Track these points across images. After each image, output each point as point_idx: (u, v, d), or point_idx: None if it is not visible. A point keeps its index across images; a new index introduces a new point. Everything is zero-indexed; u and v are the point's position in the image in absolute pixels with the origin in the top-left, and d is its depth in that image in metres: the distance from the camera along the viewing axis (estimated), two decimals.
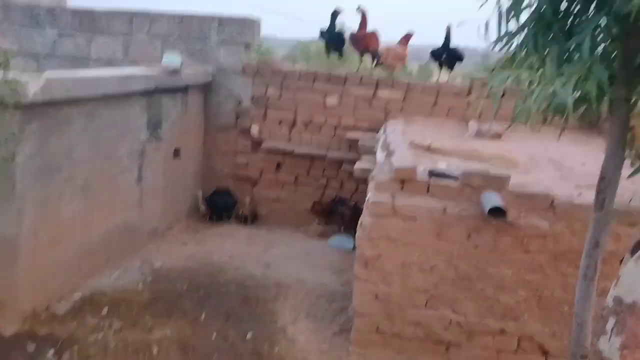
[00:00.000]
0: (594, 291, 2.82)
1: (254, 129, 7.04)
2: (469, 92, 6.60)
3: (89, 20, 7.29)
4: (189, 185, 6.89)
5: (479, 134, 5.96)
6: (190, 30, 7.04)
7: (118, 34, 7.21)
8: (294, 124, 7.00)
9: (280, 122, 7.03)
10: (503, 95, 2.66)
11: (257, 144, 7.10)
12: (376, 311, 3.95)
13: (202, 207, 6.96)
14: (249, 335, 4.29)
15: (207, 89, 7.01)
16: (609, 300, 2.22)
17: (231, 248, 5.98)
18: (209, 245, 6.02)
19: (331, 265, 5.66)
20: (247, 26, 6.96)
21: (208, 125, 7.13)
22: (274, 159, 7.12)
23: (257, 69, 6.98)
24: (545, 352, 3.95)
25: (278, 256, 5.82)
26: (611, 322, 2.16)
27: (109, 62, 7.19)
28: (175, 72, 6.01)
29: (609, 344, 2.13)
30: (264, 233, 6.63)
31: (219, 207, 7.02)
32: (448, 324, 3.94)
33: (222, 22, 6.97)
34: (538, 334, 3.91)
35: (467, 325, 3.92)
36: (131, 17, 7.17)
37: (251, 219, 7.05)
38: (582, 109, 2.73)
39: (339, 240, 6.46)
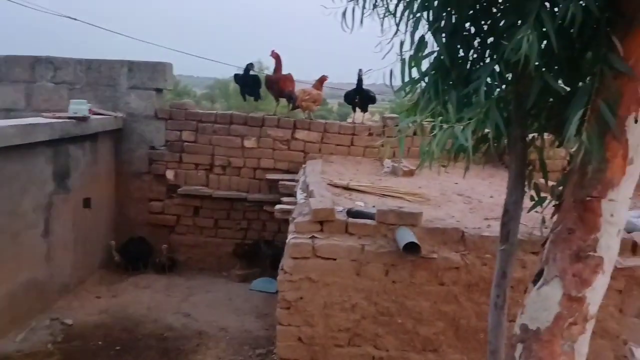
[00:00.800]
0: (505, 319, 2.97)
1: (169, 174, 6.91)
2: (383, 132, 6.87)
3: None
4: (101, 236, 6.59)
5: (394, 172, 6.19)
6: (98, 76, 6.86)
7: (19, 82, 6.85)
8: (211, 167, 6.94)
9: (196, 166, 6.95)
10: (415, 134, 2.81)
11: (172, 189, 6.96)
12: (300, 354, 3.92)
13: (117, 257, 6.67)
14: None
15: (118, 135, 6.82)
16: (516, 328, 2.36)
17: (148, 299, 5.76)
18: (125, 298, 5.76)
19: (254, 310, 5.58)
20: (158, 71, 6.89)
21: (120, 172, 6.92)
22: (192, 203, 7.00)
23: (170, 113, 6.90)
24: None
25: (199, 304, 5.67)
26: (519, 349, 2.29)
27: (10, 112, 6.76)
28: (82, 120, 5.81)
29: None
30: (183, 281, 6.44)
31: (134, 256, 6.76)
32: None
33: (132, 67, 6.86)
34: None
35: None
36: (33, 64, 6.85)
37: (169, 266, 6.83)
38: (483, 147, 2.93)
39: (262, 283, 6.40)
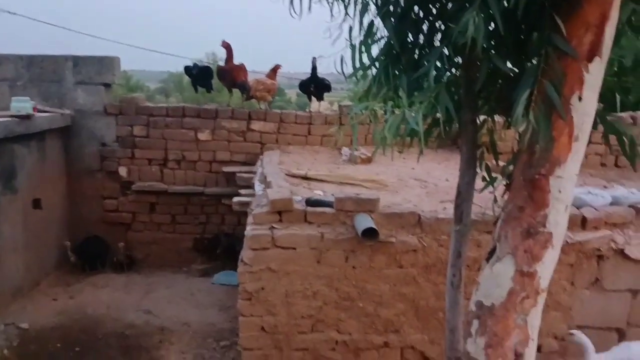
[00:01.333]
0: (462, 297, 3.05)
1: (122, 171, 6.75)
2: (340, 120, 6.88)
3: None
4: (55, 236, 6.39)
5: (352, 160, 6.22)
6: (42, 72, 6.60)
7: None
8: (165, 162, 6.81)
9: (150, 162, 6.81)
10: (370, 121, 2.83)
11: (126, 186, 6.80)
12: (264, 343, 3.93)
13: (72, 258, 6.48)
14: None
15: (66, 132, 6.60)
16: (472, 305, 2.43)
17: (107, 298, 5.63)
18: (83, 298, 5.62)
19: (217, 303, 5.54)
20: (105, 65, 6.69)
21: (71, 170, 6.71)
22: (147, 199, 6.86)
23: (120, 108, 6.73)
24: (426, 359, 4.17)
25: (159, 300, 5.59)
26: (475, 324, 2.36)
27: None
28: (26, 118, 5.59)
29: (475, 345, 2.32)
30: (143, 278, 6.33)
31: (91, 255, 6.59)
32: (334, 345, 4.03)
33: (78, 61, 6.64)
34: (418, 343, 4.13)
35: (352, 344, 4.05)
36: None
37: (127, 265, 6.69)
38: (435, 132, 2.98)
39: (224, 276, 6.36)
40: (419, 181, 5.44)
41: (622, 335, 4.34)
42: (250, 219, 4.05)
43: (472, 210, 3.17)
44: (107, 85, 6.73)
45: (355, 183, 5.11)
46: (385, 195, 4.51)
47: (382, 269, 4.01)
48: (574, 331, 3.82)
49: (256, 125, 6.82)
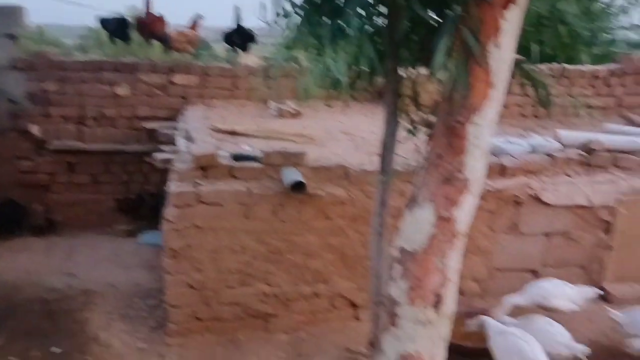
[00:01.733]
0: (386, 245, 3.13)
1: (35, 129, 6.33)
2: (267, 73, 6.71)
3: None
4: None
5: (280, 114, 6.14)
6: None
7: None
8: (82, 119, 6.45)
9: (66, 119, 6.42)
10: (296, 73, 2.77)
11: (41, 146, 6.41)
12: (191, 300, 3.92)
13: None
14: (55, 350, 3.94)
15: None
16: (394, 251, 2.49)
17: (26, 262, 5.36)
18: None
19: (144, 263, 5.41)
20: (7, 15, 6.14)
21: None
22: (65, 159, 6.50)
23: (30, 63, 6.25)
24: (355, 306, 4.31)
25: (83, 263, 5.38)
26: (397, 269, 2.42)
27: None
28: None
29: (398, 289, 2.40)
30: (64, 241, 6.04)
31: (6, 220, 6.21)
32: (264, 298, 4.07)
33: None
34: (347, 291, 4.25)
35: (282, 295, 4.11)
36: None
37: (47, 227, 6.37)
38: (360, 83, 2.98)
39: (151, 236, 6.18)
40: (347, 134, 5.47)
41: (537, 276, 4.62)
42: (173, 176, 3.93)
43: (396, 161, 3.22)
44: (12, 37, 6.21)
45: (284, 137, 5.06)
46: (313, 149, 4.50)
47: (310, 221, 4.04)
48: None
49: (178, 79, 6.54)
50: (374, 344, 2.85)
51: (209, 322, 4.00)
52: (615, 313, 3.94)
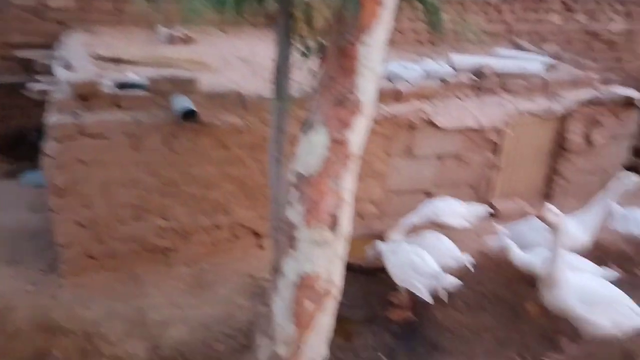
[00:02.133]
0: (284, 171, 3.10)
1: None
2: None
3: None
4: None
5: (170, 40, 5.76)
6: None
7: None
8: None
9: None
10: None
11: None
12: (82, 238, 3.73)
13: None
14: None
15: None
16: (291, 176, 2.47)
17: None
18: None
19: (29, 205, 5.02)
20: None
21: None
22: None
23: None
24: (257, 235, 4.31)
25: None
26: (294, 193, 2.41)
27: None
28: None
29: (295, 212, 2.40)
30: None
31: None
32: (161, 232, 3.96)
33: None
34: (248, 220, 4.23)
35: (180, 229, 4.02)
36: None
37: None
38: (248, 3, 2.81)
39: (34, 176, 5.73)
40: (244, 61, 5.27)
41: (430, 197, 4.83)
42: (51, 107, 3.61)
43: (293, 87, 3.14)
44: None
45: (174, 64, 4.78)
46: (208, 77, 4.30)
47: (207, 151, 3.92)
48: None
49: (53, 2, 5.90)
50: (276, 269, 2.88)
51: (104, 259, 3.85)
52: (500, 227, 4.23)
